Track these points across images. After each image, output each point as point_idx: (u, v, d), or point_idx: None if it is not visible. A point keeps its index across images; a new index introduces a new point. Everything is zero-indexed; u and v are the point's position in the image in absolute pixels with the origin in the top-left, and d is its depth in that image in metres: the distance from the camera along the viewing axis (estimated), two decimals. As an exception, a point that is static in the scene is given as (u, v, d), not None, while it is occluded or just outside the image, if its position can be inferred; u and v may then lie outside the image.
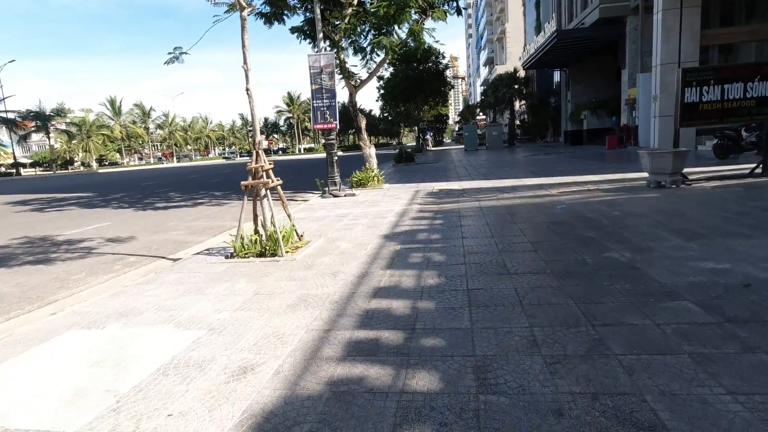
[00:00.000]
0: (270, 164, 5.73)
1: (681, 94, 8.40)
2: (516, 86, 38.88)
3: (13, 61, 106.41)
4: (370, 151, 13.31)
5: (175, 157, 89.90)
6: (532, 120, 40.73)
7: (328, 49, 12.73)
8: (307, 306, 3.64)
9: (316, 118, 11.47)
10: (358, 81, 13.61)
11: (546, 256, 4.51)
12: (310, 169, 25.67)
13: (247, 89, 5.44)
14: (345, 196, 11.17)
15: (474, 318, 3.14)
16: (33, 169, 75.26)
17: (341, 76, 13.21)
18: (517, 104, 43.59)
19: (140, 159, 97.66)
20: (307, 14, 13.78)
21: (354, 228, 6.88)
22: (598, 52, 26.95)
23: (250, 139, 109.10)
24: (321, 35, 11.31)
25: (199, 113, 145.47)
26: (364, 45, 13.36)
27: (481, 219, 6.80)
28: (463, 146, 39.21)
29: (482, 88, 61.35)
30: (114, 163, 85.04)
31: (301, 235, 6.12)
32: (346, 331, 3.09)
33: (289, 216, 6.00)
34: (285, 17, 13.63)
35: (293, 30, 14.18)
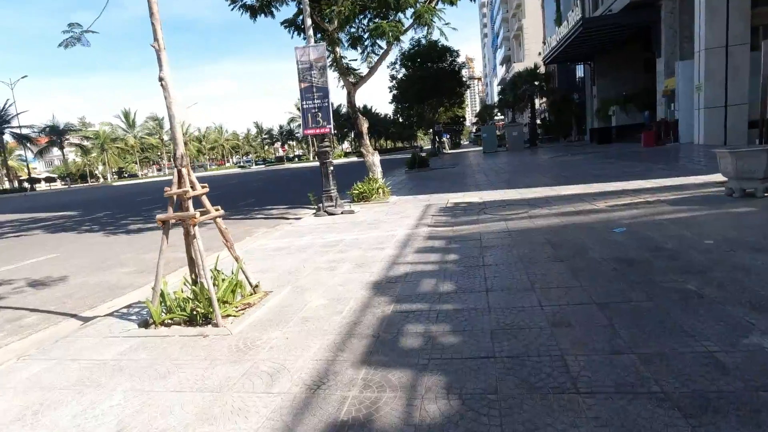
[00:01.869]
0: (203, 187, 3.97)
1: (771, 74, 6.36)
2: (536, 83, 36.53)
3: (26, 76, 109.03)
4: (374, 159, 11.47)
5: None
6: (555, 118, 38.30)
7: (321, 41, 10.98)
8: (183, 486, 1.82)
9: (307, 122, 9.73)
10: (358, 78, 11.82)
11: (634, 343, 2.59)
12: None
13: (161, 78, 3.68)
14: (342, 213, 9.38)
15: None
16: (48, 184, 75.57)
17: (337, 72, 11.44)
18: (537, 102, 41.21)
19: (159, 170, 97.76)
20: (300, 5, 12.08)
21: (338, 268, 5.06)
22: (626, 41, 24.67)
23: (266, 147, 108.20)
24: (309, 22, 9.56)
25: (213, 123, 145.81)
26: (363, 34, 11.55)
27: (511, 252, 4.89)
28: (481, 148, 37.05)
29: (499, 87, 59.02)
30: (133, 175, 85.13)
31: (256, 285, 4.32)
32: None
33: (236, 260, 4.22)
34: (274, 9, 11.95)
35: (284, 23, 12.48)
